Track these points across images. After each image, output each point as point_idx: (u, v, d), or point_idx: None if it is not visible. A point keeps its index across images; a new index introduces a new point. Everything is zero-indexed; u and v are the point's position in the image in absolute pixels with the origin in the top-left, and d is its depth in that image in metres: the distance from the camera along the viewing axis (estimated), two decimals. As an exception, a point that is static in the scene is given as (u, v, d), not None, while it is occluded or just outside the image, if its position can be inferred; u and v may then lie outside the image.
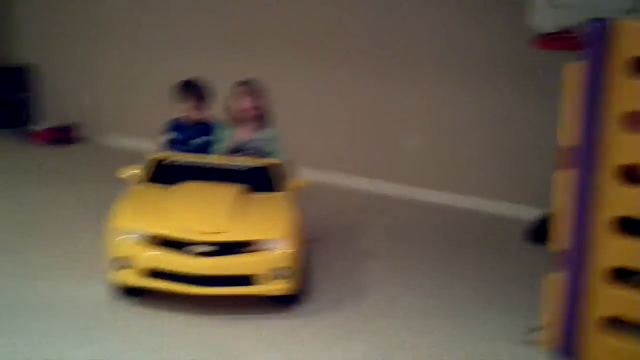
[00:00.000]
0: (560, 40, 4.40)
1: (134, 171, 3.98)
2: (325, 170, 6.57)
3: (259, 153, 4.21)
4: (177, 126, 4.40)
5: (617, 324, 3.19)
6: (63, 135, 7.71)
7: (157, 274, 3.36)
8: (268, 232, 3.46)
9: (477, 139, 6.01)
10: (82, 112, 8.04)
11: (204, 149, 4.33)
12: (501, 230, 5.44)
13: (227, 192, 3.70)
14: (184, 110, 4.35)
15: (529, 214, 5.41)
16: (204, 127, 4.40)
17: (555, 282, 3.21)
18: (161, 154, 4.11)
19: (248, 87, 4.29)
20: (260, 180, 3.91)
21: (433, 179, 6.23)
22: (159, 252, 3.35)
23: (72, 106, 8.12)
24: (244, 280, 3.41)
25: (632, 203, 3.01)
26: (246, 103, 4.23)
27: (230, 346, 3.26)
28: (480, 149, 6.01)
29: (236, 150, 4.23)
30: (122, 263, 3.35)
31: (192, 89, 4.41)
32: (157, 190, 3.77)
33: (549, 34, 4.56)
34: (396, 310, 3.73)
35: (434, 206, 6.01)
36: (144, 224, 3.41)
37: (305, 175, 4.32)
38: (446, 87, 6.08)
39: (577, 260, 3.12)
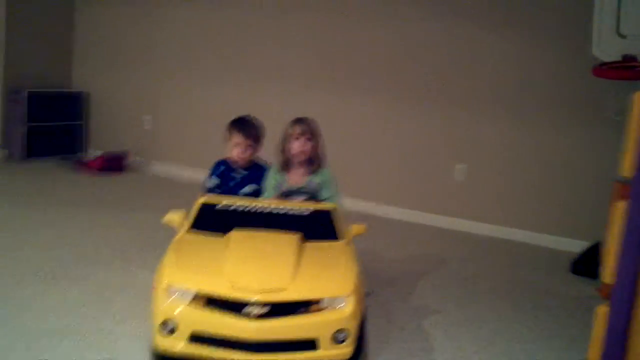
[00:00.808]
0: (623, 70, 4.29)
1: (180, 217, 3.60)
2: (371, 202, 6.65)
3: (314, 197, 3.88)
4: (225, 170, 4.11)
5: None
6: (116, 164, 7.79)
7: (209, 339, 2.89)
8: (333, 290, 3.00)
9: (525, 172, 6.02)
10: (137, 141, 8.18)
11: (255, 196, 3.98)
12: (548, 262, 5.44)
13: (285, 243, 3.28)
14: (235, 151, 4.05)
15: (576, 246, 5.45)
16: (255, 172, 4.09)
17: (601, 316, 3.11)
18: (210, 198, 3.70)
19: (306, 126, 3.88)
20: (318, 227, 3.50)
21: (479, 211, 6.25)
22: (213, 315, 2.88)
23: (127, 133, 8.27)
24: (305, 344, 2.93)
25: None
26: (303, 145, 3.85)
27: None
28: (527, 181, 6.02)
29: (288, 194, 3.87)
30: (171, 327, 2.91)
31: (246, 128, 4.07)
32: (207, 240, 3.39)
33: (611, 63, 4.45)
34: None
35: (480, 238, 6.10)
36: (195, 282, 2.96)
37: (356, 218, 3.98)
38: (496, 119, 6.08)
39: (624, 294, 3.02)
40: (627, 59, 4.38)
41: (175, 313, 2.90)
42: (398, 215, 6.54)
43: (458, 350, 3.53)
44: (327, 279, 3.10)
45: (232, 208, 3.56)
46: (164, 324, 2.91)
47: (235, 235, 3.33)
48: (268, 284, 2.95)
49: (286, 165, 3.92)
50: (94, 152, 8.27)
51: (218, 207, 3.57)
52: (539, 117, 5.85)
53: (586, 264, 4.94)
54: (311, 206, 3.65)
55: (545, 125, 5.82)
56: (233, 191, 4.02)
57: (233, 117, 4.24)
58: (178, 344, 2.91)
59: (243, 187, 4.04)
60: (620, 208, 3.04)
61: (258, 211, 3.55)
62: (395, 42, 6.45)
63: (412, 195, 6.52)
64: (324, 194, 3.90)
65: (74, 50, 8.58)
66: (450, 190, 6.33)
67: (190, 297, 2.91)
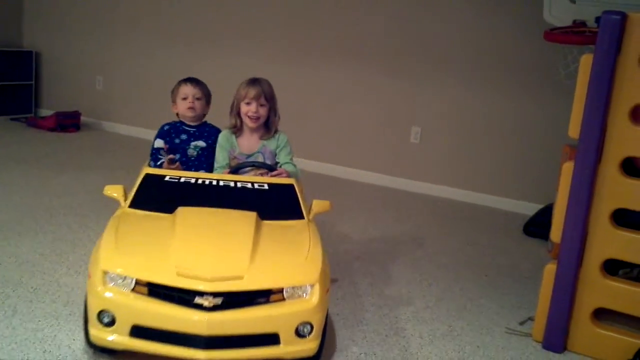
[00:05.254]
0: (573, 34, 4.36)
1: (121, 189, 3.17)
2: (328, 164, 6.75)
3: (270, 165, 3.51)
4: (171, 128, 3.70)
5: (604, 315, 3.24)
6: (70, 122, 7.71)
7: (152, 333, 2.52)
8: (296, 277, 2.65)
9: (479, 135, 6.10)
10: (89, 101, 8.09)
11: (204, 155, 3.66)
12: (501, 224, 5.55)
13: (240, 223, 2.90)
14: (183, 105, 3.67)
15: (529, 209, 5.62)
16: (204, 128, 3.72)
17: (549, 274, 3.22)
18: (157, 170, 3.29)
19: (259, 89, 3.47)
20: (277, 204, 3.13)
21: (434, 173, 6.34)
22: (158, 306, 2.50)
23: (78, 93, 8.18)
24: (265, 339, 2.57)
25: (635, 196, 3.01)
26: (256, 110, 3.47)
27: None
28: (482, 145, 6.11)
29: (242, 166, 3.48)
30: (109, 319, 2.53)
31: (193, 80, 3.73)
32: (151, 218, 2.97)
33: (562, 28, 4.52)
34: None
35: (435, 200, 6.20)
36: (135, 269, 2.55)
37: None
38: (454, 84, 6.13)
39: (572, 252, 3.13)
40: (577, 24, 4.45)
41: (113, 304, 2.53)
42: (355, 176, 6.61)
43: (409, 305, 3.60)
44: (290, 264, 2.74)
45: (180, 181, 3.16)
46: (101, 315, 2.54)
47: (184, 212, 2.94)
48: (221, 271, 2.57)
49: (238, 129, 3.57)
50: (44, 112, 8.17)
51: (165, 179, 3.17)
52: (492, 82, 5.92)
53: (538, 226, 5.06)
54: (269, 180, 3.28)
55: (499, 89, 5.89)
56: (180, 148, 3.65)
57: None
58: (118, 338, 2.55)
59: (190, 143, 3.66)
60: (567, 168, 3.14)
61: (212, 186, 3.17)
62: (351, 9, 6.45)
63: (370, 157, 6.58)
64: (281, 158, 3.58)
65: (24, 9, 8.42)
66: (407, 153, 6.39)
67: (130, 286, 2.53)
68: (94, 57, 8.02)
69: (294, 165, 3.57)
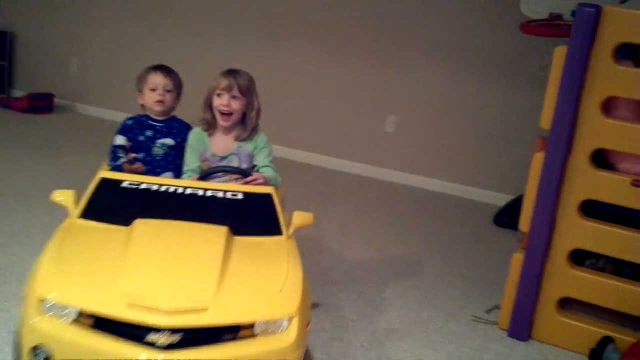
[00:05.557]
0: (548, 27, 4.40)
1: (72, 195, 2.70)
2: (305, 151, 6.70)
3: (244, 170, 3.05)
4: (135, 124, 3.23)
5: (568, 304, 3.30)
6: (42, 103, 7.61)
7: None
8: (271, 309, 2.23)
9: (453, 126, 6.10)
10: (63, 83, 7.98)
11: (172, 154, 3.21)
12: (473, 214, 5.57)
13: (208, 241, 2.47)
14: (151, 97, 3.21)
15: (500, 199, 5.65)
16: (173, 124, 3.26)
17: (516, 263, 3.25)
18: (115, 174, 2.83)
19: (233, 80, 3.06)
20: (252, 217, 2.71)
21: (409, 162, 6.33)
22: (104, 342, 2.06)
23: (53, 74, 8.06)
24: None
25: (604, 187, 3.06)
26: (227, 103, 3.05)
27: None
28: (455, 135, 6.10)
29: (213, 172, 3.04)
30: (44, 355, 2.10)
31: (164, 68, 3.27)
32: (102, 232, 2.51)
33: (538, 20, 4.55)
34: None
35: (409, 189, 6.17)
36: (79, 296, 2.13)
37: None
38: (426, 74, 6.14)
39: (540, 242, 3.16)
40: (554, 17, 4.49)
41: (50, 338, 2.10)
42: (329, 164, 6.58)
43: (377, 292, 3.62)
44: (264, 293, 2.29)
45: (140, 187, 2.72)
46: (35, 350, 2.12)
47: (141, 226, 2.48)
48: (181, 301, 2.13)
49: (211, 126, 3.14)
50: (18, 93, 8.08)
51: (122, 185, 2.73)
52: (467, 72, 5.92)
53: (508, 216, 5.09)
54: (244, 189, 2.84)
55: (474, 80, 5.90)
56: (144, 146, 3.18)
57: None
58: None
59: (156, 140, 3.20)
60: (538, 159, 3.16)
61: (174, 193, 2.72)
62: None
63: (345, 145, 6.55)
64: (258, 161, 3.16)
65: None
66: (382, 141, 6.38)
67: (72, 317, 2.10)
68: (69, 39, 7.91)
69: (274, 170, 3.15)
